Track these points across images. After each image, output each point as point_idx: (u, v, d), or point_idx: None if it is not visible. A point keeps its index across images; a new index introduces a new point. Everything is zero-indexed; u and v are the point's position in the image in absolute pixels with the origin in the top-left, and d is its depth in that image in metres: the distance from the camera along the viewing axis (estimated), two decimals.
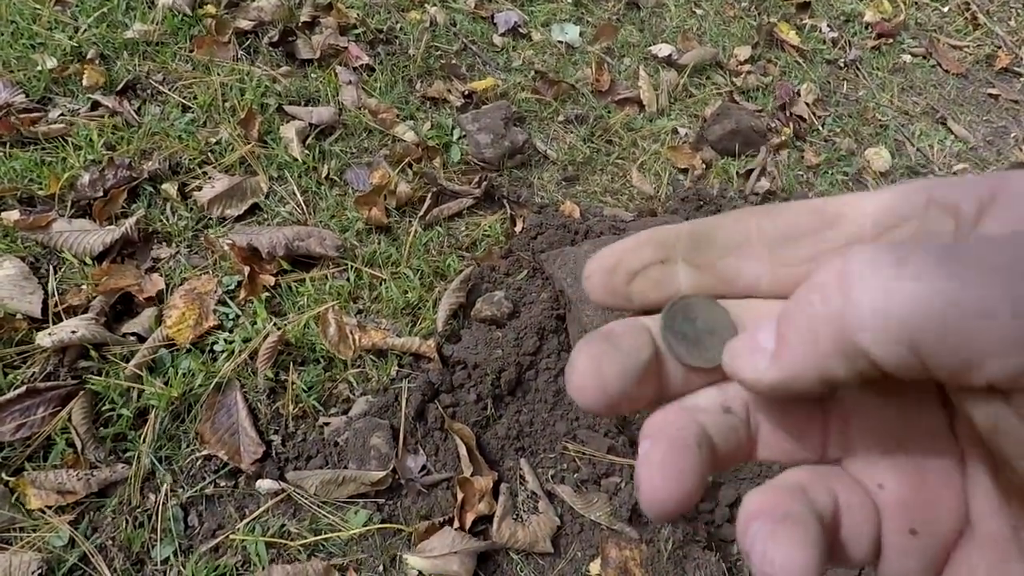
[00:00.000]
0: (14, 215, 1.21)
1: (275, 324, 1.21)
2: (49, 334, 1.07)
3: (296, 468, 1.11)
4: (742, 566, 1.17)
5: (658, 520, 0.21)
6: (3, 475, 0.99)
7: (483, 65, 1.85)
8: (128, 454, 1.06)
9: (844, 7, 2.45)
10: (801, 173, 1.90)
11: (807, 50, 2.23)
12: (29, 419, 1.01)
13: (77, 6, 1.58)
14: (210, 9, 1.67)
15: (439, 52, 1.81)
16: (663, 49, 2.01)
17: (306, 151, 1.48)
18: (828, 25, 2.35)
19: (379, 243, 1.39)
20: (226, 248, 1.27)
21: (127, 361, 1.11)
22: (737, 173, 1.80)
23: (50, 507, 0.99)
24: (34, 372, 1.07)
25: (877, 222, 0.21)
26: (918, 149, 2.07)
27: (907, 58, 2.36)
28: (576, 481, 1.19)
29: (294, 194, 1.43)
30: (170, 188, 1.34)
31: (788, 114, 2.00)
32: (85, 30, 1.53)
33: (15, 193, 1.24)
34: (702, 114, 1.91)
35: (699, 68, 2.02)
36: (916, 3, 2.60)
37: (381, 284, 1.34)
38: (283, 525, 1.06)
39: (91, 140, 1.35)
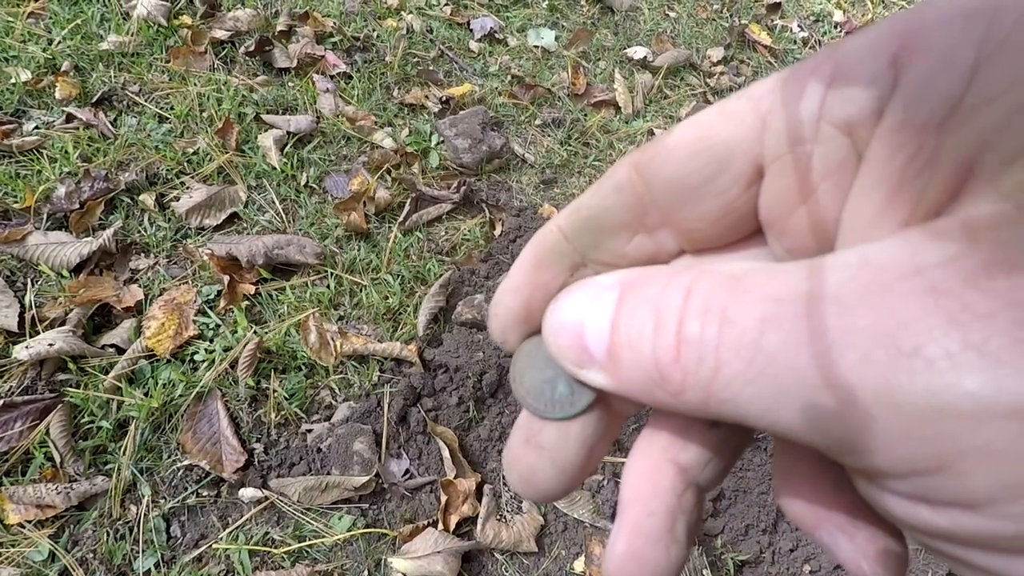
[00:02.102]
0: None
1: (255, 332, 1.21)
2: (26, 347, 1.06)
3: (279, 475, 1.11)
4: (725, 559, 1.18)
5: None
6: None
7: (460, 71, 1.86)
8: (108, 466, 1.05)
9: (814, 7, 2.50)
10: None
11: (778, 50, 2.27)
12: (6, 433, 1.01)
13: (51, 18, 1.58)
14: (185, 20, 1.67)
15: (416, 59, 1.82)
16: (638, 52, 2.04)
17: (284, 159, 1.48)
18: (798, 25, 2.40)
19: (359, 249, 1.40)
20: (205, 258, 1.27)
21: (106, 373, 1.10)
22: None
23: (29, 522, 0.98)
24: (11, 386, 1.06)
25: (766, 151, 0.18)
26: None
27: None
28: None
29: (273, 202, 1.43)
30: (147, 199, 1.33)
31: None
32: (59, 42, 1.53)
33: None
34: (677, 115, 1.94)
35: (673, 70, 2.05)
36: (883, 2, 2.65)
37: (361, 290, 1.34)
38: (267, 533, 1.06)
39: (66, 152, 1.35)
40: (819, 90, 0.17)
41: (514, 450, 0.21)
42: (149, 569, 0.99)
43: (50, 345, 1.07)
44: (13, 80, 1.42)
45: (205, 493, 1.08)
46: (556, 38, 2.03)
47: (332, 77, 1.70)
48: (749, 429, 0.21)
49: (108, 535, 1.00)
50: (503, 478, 1.19)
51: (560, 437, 0.21)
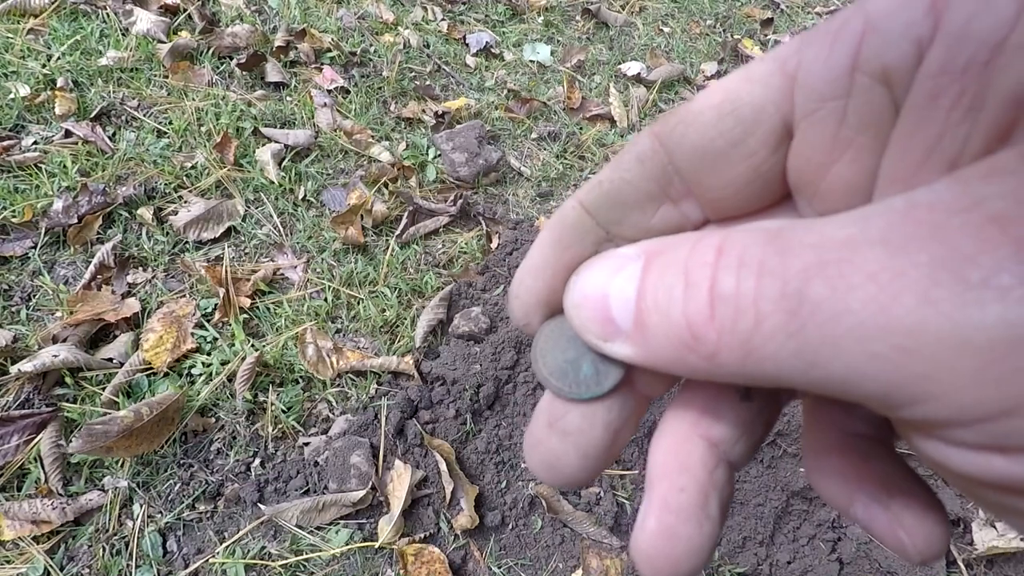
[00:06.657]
0: None
1: (253, 346, 1.22)
2: (30, 360, 1.06)
3: (276, 489, 1.10)
4: (723, 571, 1.18)
5: None
6: None
7: (456, 85, 1.88)
8: (105, 480, 1.05)
9: (806, 23, 2.54)
10: None
11: None
12: (2, 448, 1.00)
13: (50, 34, 1.59)
14: (184, 35, 1.68)
15: (413, 73, 1.84)
16: (632, 67, 2.06)
17: (282, 173, 1.49)
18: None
19: (356, 262, 1.40)
20: (202, 271, 1.28)
21: (103, 387, 1.10)
22: None
23: (24, 538, 0.97)
24: (7, 400, 1.06)
25: (798, 106, 0.18)
26: None
27: None
28: (557, 492, 1.21)
29: (271, 216, 1.44)
30: (145, 213, 1.34)
31: None
32: (58, 58, 1.54)
33: None
34: None
35: (667, 84, 2.08)
36: None
37: (359, 303, 1.35)
38: (263, 547, 1.06)
39: (65, 167, 1.35)
40: (852, 42, 0.16)
41: (536, 434, 0.21)
42: None
43: (54, 356, 1.07)
44: (12, 95, 1.43)
45: (201, 508, 1.07)
46: (552, 53, 2.06)
47: (330, 92, 1.71)
48: (779, 402, 0.20)
49: (104, 550, 1.00)
50: (500, 490, 1.19)
51: (585, 421, 0.20)
